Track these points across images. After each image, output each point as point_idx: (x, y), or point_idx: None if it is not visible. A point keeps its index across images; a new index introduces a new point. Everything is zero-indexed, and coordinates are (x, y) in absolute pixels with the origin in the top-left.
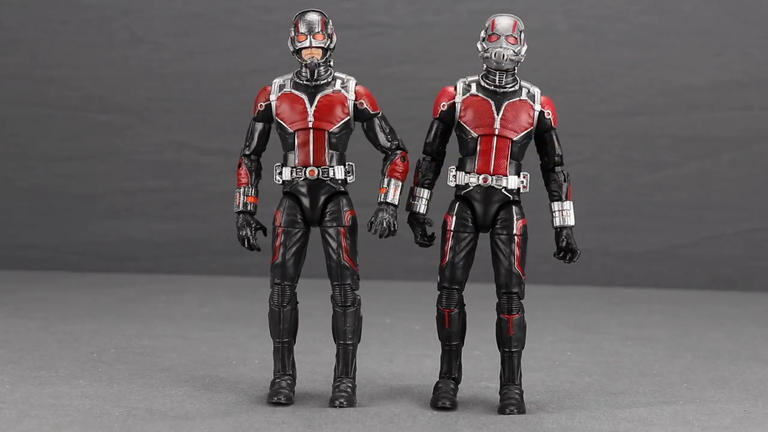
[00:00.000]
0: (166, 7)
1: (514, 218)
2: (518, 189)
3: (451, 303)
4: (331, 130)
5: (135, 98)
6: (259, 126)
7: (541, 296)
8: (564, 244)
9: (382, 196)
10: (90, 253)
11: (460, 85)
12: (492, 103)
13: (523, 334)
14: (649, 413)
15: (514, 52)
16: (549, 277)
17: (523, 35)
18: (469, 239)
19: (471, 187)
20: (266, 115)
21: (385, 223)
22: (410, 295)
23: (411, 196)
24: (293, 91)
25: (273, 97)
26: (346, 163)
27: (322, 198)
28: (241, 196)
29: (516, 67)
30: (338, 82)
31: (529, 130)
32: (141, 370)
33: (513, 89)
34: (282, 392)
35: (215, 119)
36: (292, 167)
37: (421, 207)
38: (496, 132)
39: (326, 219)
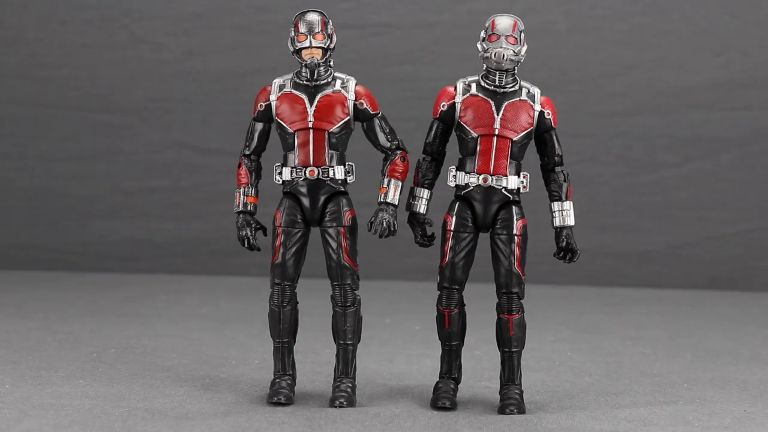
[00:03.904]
0: (166, 7)
1: (514, 218)
2: (518, 189)
3: (451, 303)
4: (331, 130)
5: (135, 98)
6: (259, 126)
7: (541, 296)
8: (564, 244)
9: (382, 196)
10: (90, 253)
11: (460, 85)
12: (492, 103)
13: (523, 334)
14: (649, 413)
15: (514, 52)
16: (549, 277)
17: (523, 35)
18: (469, 239)
19: (471, 187)
20: (266, 115)
21: (385, 223)
22: (410, 295)
23: (411, 196)
24: (293, 91)
25: (273, 97)
26: (346, 163)
27: (322, 198)
28: (241, 196)
29: (516, 67)
30: (338, 82)
31: (529, 130)
32: (141, 370)
33: (513, 89)
34: (282, 392)
35: (215, 119)
36: (292, 167)
37: (421, 207)
38: (496, 132)
39: (326, 219)
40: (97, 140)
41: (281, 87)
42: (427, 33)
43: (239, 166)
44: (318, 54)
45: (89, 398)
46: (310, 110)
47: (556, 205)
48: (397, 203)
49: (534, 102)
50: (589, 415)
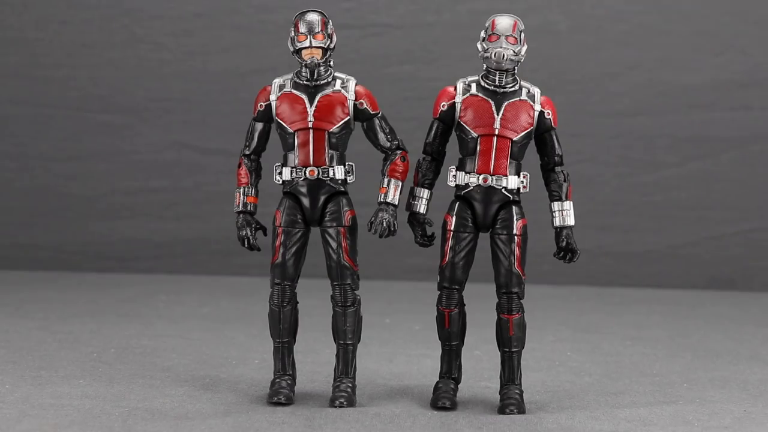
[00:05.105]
0: (166, 7)
1: (514, 218)
2: (518, 189)
3: (451, 303)
4: (331, 130)
5: (135, 98)
6: (259, 126)
7: (541, 296)
8: (564, 244)
9: (382, 196)
10: (90, 253)
11: (460, 85)
12: (492, 103)
13: (523, 334)
14: (649, 413)
15: (514, 52)
16: (549, 277)
17: (523, 35)
18: (469, 239)
19: (471, 187)
20: (266, 115)
21: (385, 223)
22: (410, 295)
23: (411, 196)
24: (293, 91)
25: (273, 97)
26: (346, 163)
27: (322, 198)
28: (241, 196)
29: (516, 67)
30: (338, 82)
31: (529, 130)
32: (141, 370)
33: (513, 89)
34: (282, 392)
35: (215, 119)
36: (292, 167)
37: (421, 207)
38: (496, 132)
39: (326, 219)
40: (97, 140)
41: (281, 87)
42: (427, 33)
43: (239, 166)
44: (318, 54)
45: (89, 398)
46: (310, 110)
47: (556, 205)
48: (397, 203)
49: (534, 102)
50: (589, 415)
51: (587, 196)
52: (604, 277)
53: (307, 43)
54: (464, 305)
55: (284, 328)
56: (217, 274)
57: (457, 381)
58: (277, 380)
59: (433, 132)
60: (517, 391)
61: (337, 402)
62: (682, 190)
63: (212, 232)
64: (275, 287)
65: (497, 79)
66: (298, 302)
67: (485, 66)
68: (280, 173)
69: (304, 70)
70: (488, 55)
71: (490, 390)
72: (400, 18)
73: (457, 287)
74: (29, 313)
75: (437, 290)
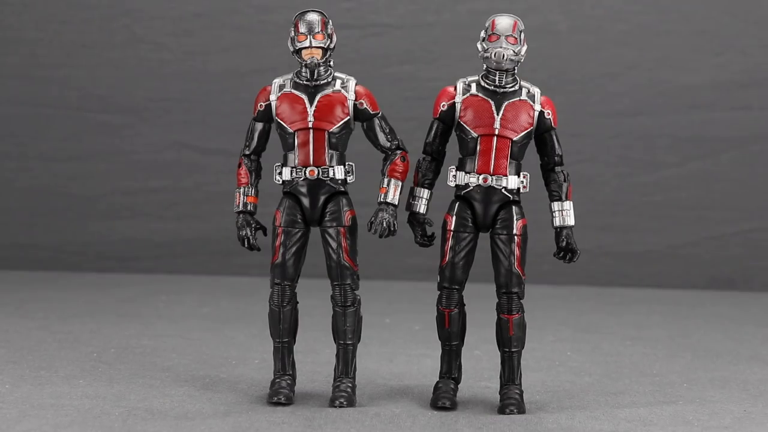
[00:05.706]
0: (166, 7)
1: (514, 218)
2: (518, 189)
3: (451, 303)
4: (331, 130)
5: (135, 98)
6: (259, 126)
7: (541, 296)
8: (564, 244)
9: (382, 196)
10: (90, 253)
11: (460, 85)
12: (492, 103)
13: (523, 334)
14: (649, 413)
15: (514, 52)
16: (549, 277)
17: (523, 35)
18: (469, 239)
19: (471, 187)
20: (266, 115)
21: (385, 223)
22: (410, 295)
23: (411, 196)
24: (293, 91)
25: (273, 97)
26: (346, 163)
27: (322, 198)
28: (241, 196)
29: (516, 67)
30: (338, 82)
31: (529, 130)
32: (141, 370)
33: (513, 89)
34: (282, 392)
35: (215, 119)
36: (292, 167)
37: (421, 207)
38: (496, 132)
39: (326, 219)
40: (97, 140)
41: (281, 87)
42: (427, 33)
43: (239, 166)
44: (318, 54)
45: (89, 398)
46: (310, 110)
47: (556, 205)
48: (397, 203)
49: (534, 102)
50: (589, 415)
51: (587, 196)
52: (604, 277)
53: (307, 43)
54: (464, 305)
55: (284, 328)
56: (217, 274)
57: (457, 381)
58: (277, 380)
59: (433, 132)
60: (517, 391)
61: (337, 402)
62: (682, 190)
63: (212, 232)
64: (275, 287)
65: (497, 79)
66: (298, 302)
67: (485, 66)
68: (280, 173)
69: (304, 70)
70: (488, 55)
71: (490, 390)
72: (400, 18)
73: (457, 287)
74: (29, 313)
75: (437, 290)
